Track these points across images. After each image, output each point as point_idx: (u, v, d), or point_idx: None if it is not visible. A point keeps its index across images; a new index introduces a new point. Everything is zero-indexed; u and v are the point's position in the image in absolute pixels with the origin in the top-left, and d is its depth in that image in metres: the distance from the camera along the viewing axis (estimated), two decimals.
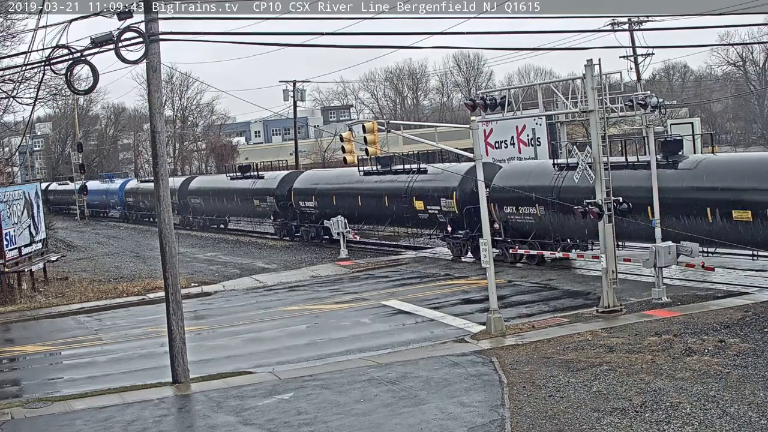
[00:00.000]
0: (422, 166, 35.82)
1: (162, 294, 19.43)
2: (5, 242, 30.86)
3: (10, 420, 15.96)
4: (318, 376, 17.37)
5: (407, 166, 36.59)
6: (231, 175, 53.72)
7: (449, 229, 33.83)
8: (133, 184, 69.74)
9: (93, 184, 77.24)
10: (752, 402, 13.59)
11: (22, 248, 32.59)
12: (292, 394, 16.15)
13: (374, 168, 38.57)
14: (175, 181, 55.88)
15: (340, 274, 33.11)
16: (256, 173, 50.11)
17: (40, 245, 34.84)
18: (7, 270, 31.21)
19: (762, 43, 78.37)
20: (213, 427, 14.59)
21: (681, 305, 21.81)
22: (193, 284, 32.32)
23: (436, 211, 34.46)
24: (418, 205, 35.31)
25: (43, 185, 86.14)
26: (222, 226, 56.86)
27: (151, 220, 61.65)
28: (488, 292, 20.70)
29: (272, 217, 48.43)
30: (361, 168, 38.86)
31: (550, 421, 13.47)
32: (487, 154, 41.54)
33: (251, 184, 49.77)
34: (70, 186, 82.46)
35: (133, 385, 17.93)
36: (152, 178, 50.62)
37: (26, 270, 32.55)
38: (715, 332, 18.42)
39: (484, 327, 20.65)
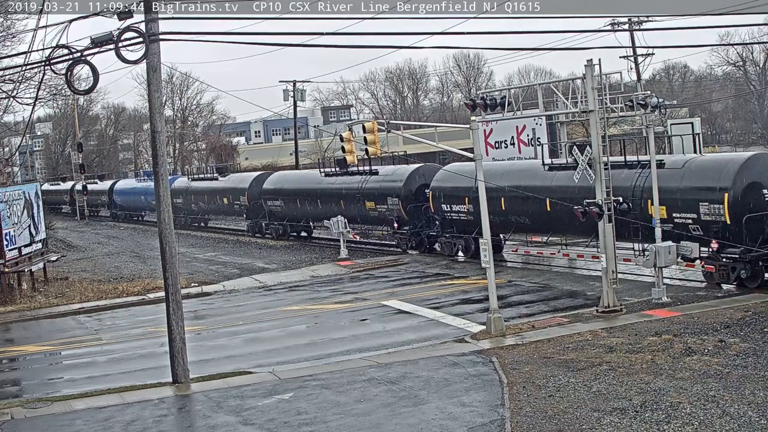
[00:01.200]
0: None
1: (162, 294, 19.44)
2: (5, 242, 30.85)
3: (10, 420, 15.97)
4: (318, 376, 17.38)
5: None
6: (327, 170, 42.89)
7: (395, 225, 37.20)
8: (182, 182, 58.94)
9: (125, 184, 70.49)
10: (752, 402, 13.59)
11: (22, 248, 32.59)
12: (292, 394, 16.15)
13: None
14: (244, 178, 51.71)
15: (340, 274, 33.11)
16: (367, 169, 39.18)
17: (40, 245, 34.83)
18: (7, 270, 31.20)
19: (762, 43, 78.40)
20: (213, 427, 14.59)
21: (681, 305, 21.81)
22: (193, 284, 32.32)
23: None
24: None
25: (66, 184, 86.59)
26: (305, 234, 47.21)
27: (207, 226, 59.02)
28: (488, 292, 20.70)
29: (395, 225, 37.83)
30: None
31: (550, 421, 13.48)
32: (487, 154, 41.54)
33: (361, 182, 39.59)
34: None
35: (133, 385, 17.94)
36: (209, 174, 50.17)
37: (26, 270, 32.55)
38: (715, 332, 18.42)
39: (484, 327, 20.65)
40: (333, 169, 41.85)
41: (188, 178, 58.35)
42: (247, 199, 48.56)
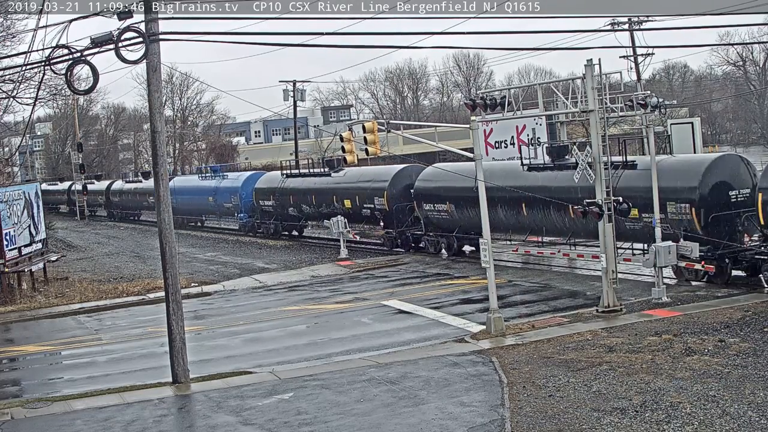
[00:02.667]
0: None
1: (162, 294, 19.44)
2: (5, 242, 30.85)
3: (10, 420, 15.97)
4: (318, 376, 17.38)
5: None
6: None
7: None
8: (271, 179, 47.53)
9: (184, 182, 59.11)
10: (752, 402, 13.59)
11: (22, 248, 32.59)
12: (292, 394, 16.16)
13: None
14: (378, 174, 39.43)
15: (340, 273, 33.11)
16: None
17: (40, 245, 34.83)
18: (7, 270, 31.20)
19: (762, 43, 78.45)
20: (213, 427, 14.60)
21: (681, 305, 21.82)
22: (193, 284, 32.32)
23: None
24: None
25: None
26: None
27: (301, 236, 47.20)
28: (488, 291, 20.70)
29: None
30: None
31: (550, 421, 13.48)
32: (487, 154, 41.52)
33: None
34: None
35: (133, 385, 17.94)
36: (316, 170, 43.56)
37: (26, 270, 32.55)
38: (715, 332, 18.43)
39: (484, 327, 20.66)
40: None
41: (282, 175, 45.57)
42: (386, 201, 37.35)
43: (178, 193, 55.13)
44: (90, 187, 75.32)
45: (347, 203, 39.51)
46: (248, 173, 52.72)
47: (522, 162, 30.61)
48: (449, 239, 34.71)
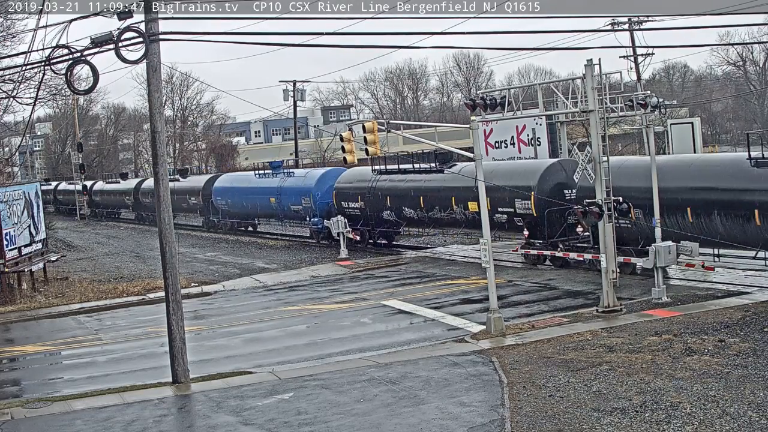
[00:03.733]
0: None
1: (162, 294, 19.43)
2: (5, 242, 30.86)
3: (10, 420, 15.96)
4: (318, 376, 17.38)
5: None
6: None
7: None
8: (356, 176, 39.71)
9: (237, 180, 52.40)
10: (752, 402, 13.59)
11: (22, 248, 32.60)
12: (292, 394, 16.16)
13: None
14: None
15: (340, 274, 33.11)
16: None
17: (40, 245, 34.84)
18: (7, 270, 31.20)
19: (762, 43, 78.46)
20: (213, 427, 14.60)
21: (681, 305, 21.83)
22: (193, 284, 32.32)
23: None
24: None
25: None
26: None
27: (398, 246, 40.57)
28: (488, 291, 20.70)
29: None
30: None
31: (550, 421, 13.48)
32: (487, 154, 41.55)
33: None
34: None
35: (133, 385, 17.94)
36: (424, 165, 35.31)
37: (26, 270, 32.55)
38: (715, 332, 18.43)
39: (484, 327, 20.66)
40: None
41: (374, 172, 38.35)
42: None
43: (228, 194, 50.73)
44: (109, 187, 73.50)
45: (472, 206, 31.58)
46: (322, 170, 45.46)
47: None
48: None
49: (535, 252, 30.27)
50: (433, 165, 35.06)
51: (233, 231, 51.77)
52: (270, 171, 47.18)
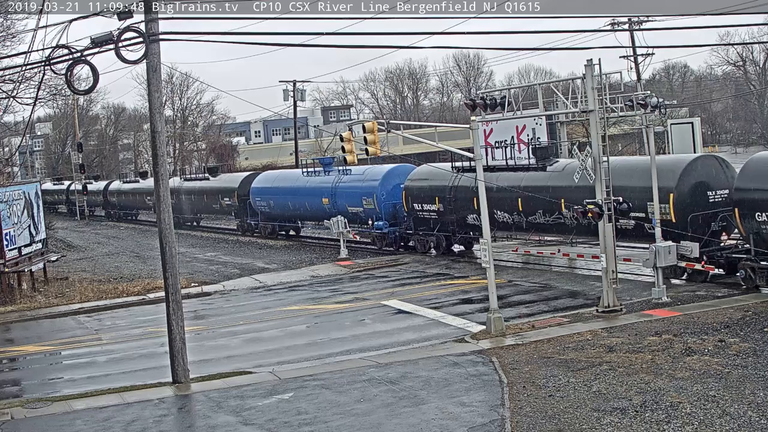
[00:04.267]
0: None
1: (162, 294, 19.44)
2: (5, 242, 30.86)
3: (10, 420, 15.96)
4: (318, 376, 17.38)
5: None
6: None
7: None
8: (431, 174, 34.90)
9: (280, 179, 46.22)
10: (752, 402, 13.59)
11: (22, 248, 32.60)
12: (292, 394, 16.15)
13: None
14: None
15: (340, 273, 33.11)
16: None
17: (40, 245, 34.84)
18: (7, 270, 31.21)
19: (762, 43, 78.46)
20: (213, 427, 14.60)
21: (681, 305, 21.82)
22: (193, 284, 32.32)
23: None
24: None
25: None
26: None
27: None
28: (488, 291, 20.70)
29: None
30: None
31: (550, 421, 13.48)
32: (487, 154, 41.49)
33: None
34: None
35: (133, 385, 17.94)
36: (519, 162, 30.27)
37: (26, 270, 32.55)
38: (715, 332, 18.43)
39: (484, 327, 20.66)
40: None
41: (453, 170, 33.34)
42: None
43: (269, 195, 45.45)
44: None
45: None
46: (385, 167, 39.66)
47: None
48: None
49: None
50: (531, 162, 30.81)
51: (273, 235, 46.82)
52: (321, 168, 42.31)
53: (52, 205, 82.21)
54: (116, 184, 70.23)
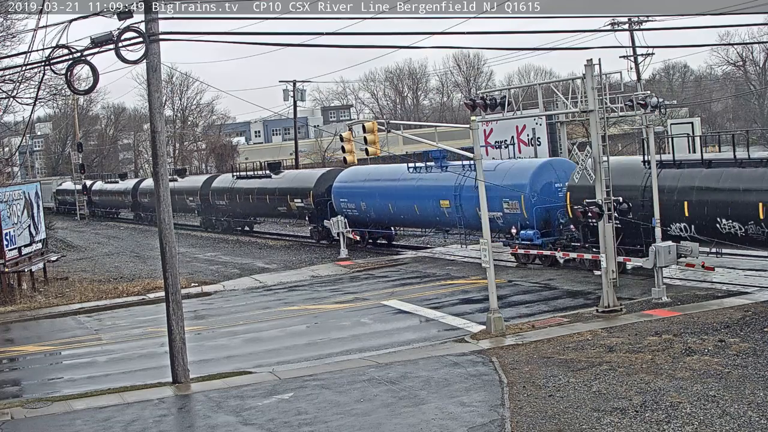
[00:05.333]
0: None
1: (162, 294, 19.44)
2: (5, 242, 30.86)
3: (10, 420, 15.96)
4: (318, 376, 17.38)
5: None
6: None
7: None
8: (624, 169, 26.49)
9: (376, 174, 38.83)
10: (752, 402, 13.59)
11: (22, 248, 32.60)
12: (292, 394, 16.15)
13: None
14: None
15: (340, 274, 33.11)
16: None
17: (40, 245, 34.85)
18: (7, 270, 31.20)
19: (762, 43, 78.47)
20: (213, 427, 14.59)
21: (681, 305, 21.82)
22: (193, 284, 32.32)
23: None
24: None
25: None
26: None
27: None
28: (488, 291, 20.70)
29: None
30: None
31: (550, 421, 13.48)
32: (487, 154, 41.51)
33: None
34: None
35: (133, 385, 17.94)
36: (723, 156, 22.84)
37: (26, 270, 32.55)
38: (715, 332, 18.43)
39: (484, 327, 20.65)
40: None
41: (644, 164, 25.71)
42: None
43: (359, 196, 37.88)
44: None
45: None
46: (537, 161, 32.37)
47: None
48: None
49: None
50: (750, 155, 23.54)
51: (362, 243, 38.80)
52: (431, 164, 34.69)
53: (72, 207, 78.16)
54: (147, 183, 62.09)
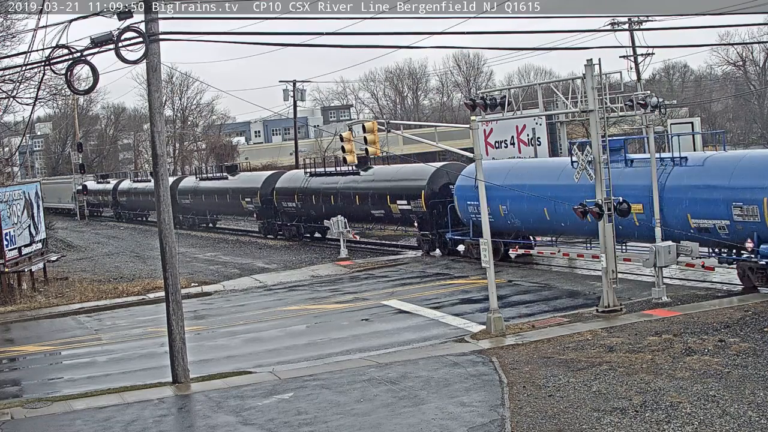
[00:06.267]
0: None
1: (162, 294, 19.43)
2: (5, 242, 30.86)
3: (10, 420, 15.96)
4: (318, 376, 17.38)
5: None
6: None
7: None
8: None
9: (513, 171, 31.36)
10: (752, 402, 13.59)
11: (22, 248, 32.60)
12: (292, 394, 16.15)
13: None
14: None
15: (340, 273, 33.11)
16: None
17: (40, 245, 34.84)
18: (7, 270, 31.20)
19: (762, 43, 78.44)
20: (213, 427, 14.59)
21: (681, 305, 21.82)
22: (193, 284, 32.32)
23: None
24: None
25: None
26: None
27: None
28: (488, 291, 20.70)
29: None
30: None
31: (550, 421, 13.48)
32: (487, 154, 41.51)
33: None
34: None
35: (133, 385, 17.93)
36: None
37: (26, 270, 32.55)
38: (715, 332, 18.42)
39: (484, 327, 20.65)
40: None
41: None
42: None
43: (504, 199, 29.72)
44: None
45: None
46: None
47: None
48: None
49: None
50: None
51: (497, 257, 30.27)
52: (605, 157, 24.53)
53: (96, 208, 75.40)
54: (192, 181, 58.41)
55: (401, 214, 36.28)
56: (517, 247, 31.80)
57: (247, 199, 49.81)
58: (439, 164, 36.58)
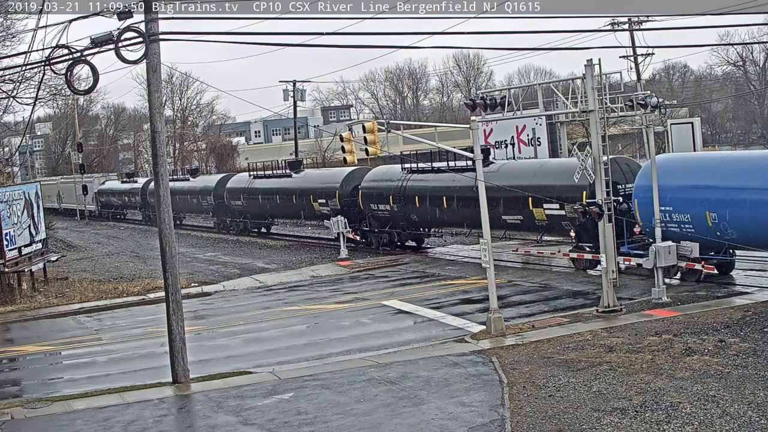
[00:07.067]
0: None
1: (162, 294, 19.44)
2: (5, 242, 30.86)
3: (10, 420, 15.96)
4: (318, 376, 17.38)
5: None
6: None
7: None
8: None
9: (701, 166, 24.88)
10: (752, 402, 13.59)
11: (22, 248, 32.60)
12: (292, 394, 16.15)
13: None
14: None
15: (340, 274, 33.11)
16: None
17: (40, 245, 34.84)
18: (7, 270, 31.20)
19: (762, 43, 78.46)
20: (213, 427, 14.59)
21: (681, 305, 21.82)
22: (193, 284, 32.32)
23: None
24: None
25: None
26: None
27: None
28: (488, 291, 20.70)
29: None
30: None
31: (550, 421, 13.47)
32: None
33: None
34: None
35: (133, 385, 17.94)
36: None
37: (26, 270, 32.55)
38: (715, 332, 18.42)
39: (484, 327, 20.65)
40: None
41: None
42: None
43: (699, 204, 23.50)
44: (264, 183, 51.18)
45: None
46: None
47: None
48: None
49: None
50: None
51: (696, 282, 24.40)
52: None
53: (119, 210, 68.95)
54: (238, 179, 51.95)
55: (547, 222, 30.08)
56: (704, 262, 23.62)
57: (321, 201, 40.98)
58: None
